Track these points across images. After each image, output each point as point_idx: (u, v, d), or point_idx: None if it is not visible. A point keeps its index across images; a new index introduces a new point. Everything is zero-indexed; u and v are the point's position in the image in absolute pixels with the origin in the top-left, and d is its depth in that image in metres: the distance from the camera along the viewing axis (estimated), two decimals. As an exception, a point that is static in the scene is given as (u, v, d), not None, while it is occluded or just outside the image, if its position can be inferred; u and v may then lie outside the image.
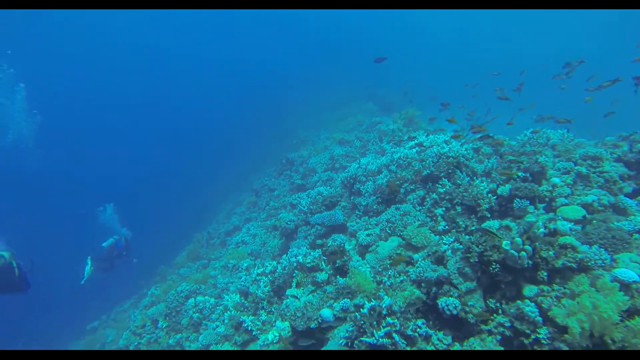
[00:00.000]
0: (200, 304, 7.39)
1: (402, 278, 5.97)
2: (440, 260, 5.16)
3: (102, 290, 15.12)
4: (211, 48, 47.25)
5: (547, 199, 5.71)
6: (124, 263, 11.49)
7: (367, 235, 7.23)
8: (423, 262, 5.30)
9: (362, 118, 16.75)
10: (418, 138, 9.94)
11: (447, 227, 6.70)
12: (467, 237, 5.31)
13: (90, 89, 39.76)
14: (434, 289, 4.89)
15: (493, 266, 4.18)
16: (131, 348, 7.68)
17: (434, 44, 45.43)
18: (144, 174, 34.71)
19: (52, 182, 31.62)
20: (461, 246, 5.23)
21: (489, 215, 6.66)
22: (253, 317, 6.46)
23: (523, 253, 3.86)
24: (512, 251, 3.93)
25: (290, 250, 7.72)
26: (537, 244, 3.94)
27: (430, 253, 5.45)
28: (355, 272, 6.12)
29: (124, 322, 10.82)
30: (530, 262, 3.96)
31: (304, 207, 9.18)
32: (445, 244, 5.38)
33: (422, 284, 5.10)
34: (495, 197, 6.68)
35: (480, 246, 4.40)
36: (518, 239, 3.94)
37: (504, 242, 4.11)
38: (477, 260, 4.41)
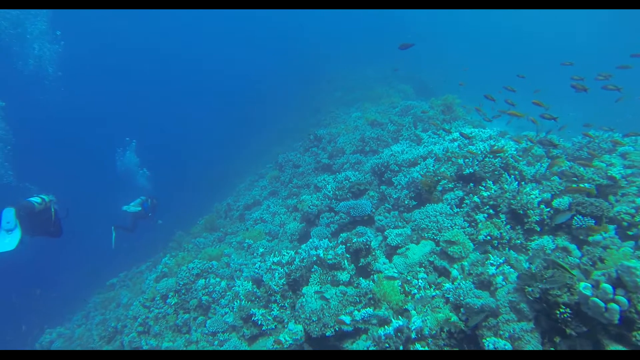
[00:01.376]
0: (211, 287, 6.77)
1: (434, 293, 5.11)
2: (485, 285, 4.24)
3: (125, 246, 15.07)
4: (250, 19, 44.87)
5: (624, 223, 4.61)
6: (149, 223, 11.20)
7: (397, 234, 6.34)
8: (464, 282, 4.38)
9: (396, 100, 15.47)
10: (460, 131, 8.78)
11: (488, 237, 5.75)
12: (524, 262, 4.33)
13: (126, 30, 37.91)
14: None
15: (561, 310, 3.24)
16: (139, 321, 7.26)
17: (481, 33, 41.63)
18: (172, 134, 34.20)
19: (75, 119, 30.75)
20: (512, 270, 4.27)
21: (538, 229, 5.65)
22: (264, 311, 5.79)
23: (613, 305, 2.89)
24: (596, 299, 2.97)
25: (310, 240, 6.95)
26: (634, 295, 2.96)
27: (473, 273, 4.53)
28: (381, 279, 5.29)
29: (138, 285, 10.53)
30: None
31: (329, 192, 8.32)
32: (492, 264, 4.41)
33: (462, 310, 4.22)
34: (548, 209, 5.65)
35: (545, 281, 3.44)
36: (606, 285, 2.96)
37: (582, 284, 3.14)
38: (538, 297, 3.47)
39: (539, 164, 6.91)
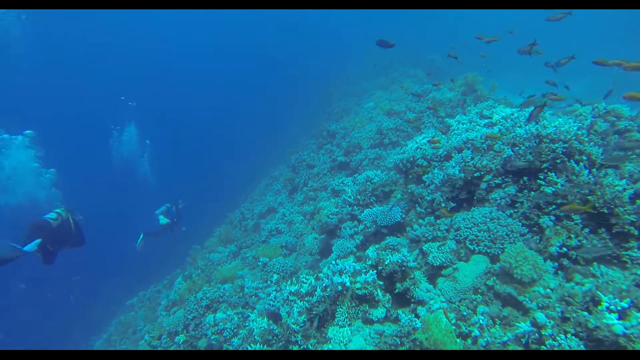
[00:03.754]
0: (221, 324, 5.47)
1: (505, 336, 3.61)
2: (608, 347, 2.68)
3: (148, 259, 14.00)
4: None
5: None
6: (174, 230, 10.18)
7: (440, 250, 4.84)
8: (562, 339, 2.84)
9: (408, 85, 13.73)
10: (494, 114, 7.13)
11: (564, 248, 4.19)
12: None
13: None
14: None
15: None
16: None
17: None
18: (184, 139, 32.51)
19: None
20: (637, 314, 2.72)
21: (636, 233, 4.04)
22: (283, 358, 4.44)
23: None
24: None
25: (333, 257, 5.55)
26: None
27: (572, 319, 2.99)
28: (428, 321, 3.83)
29: (154, 308, 9.42)
30: None
31: (350, 197, 6.85)
32: (610, 310, 2.81)
33: (565, 379, 2.71)
34: (649, 206, 4.03)
35: None
36: None
37: None
38: None
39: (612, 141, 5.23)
